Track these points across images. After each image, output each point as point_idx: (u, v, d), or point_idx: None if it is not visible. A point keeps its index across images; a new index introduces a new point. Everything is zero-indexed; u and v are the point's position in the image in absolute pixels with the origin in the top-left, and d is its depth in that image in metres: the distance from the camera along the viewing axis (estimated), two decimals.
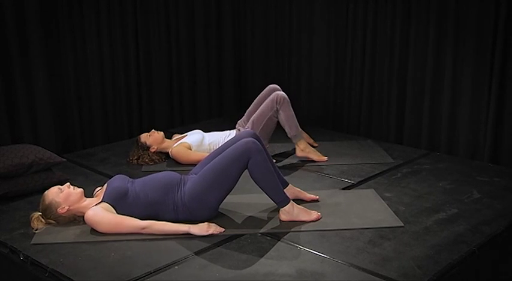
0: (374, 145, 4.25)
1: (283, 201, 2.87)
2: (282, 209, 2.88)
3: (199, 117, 5.18)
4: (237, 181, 2.87)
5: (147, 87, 4.79)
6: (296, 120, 3.85)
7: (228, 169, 2.82)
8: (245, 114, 4.08)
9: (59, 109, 4.22)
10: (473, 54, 3.97)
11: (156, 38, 4.77)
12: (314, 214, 2.92)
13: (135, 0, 4.57)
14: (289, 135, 3.84)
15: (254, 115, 3.86)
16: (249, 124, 3.84)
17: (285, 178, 3.14)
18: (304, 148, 3.83)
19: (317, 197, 3.18)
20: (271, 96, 3.83)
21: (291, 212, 2.87)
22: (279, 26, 5.20)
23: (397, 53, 4.40)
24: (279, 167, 3.22)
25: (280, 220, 2.89)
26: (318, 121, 5.01)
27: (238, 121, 4.10)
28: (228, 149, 2.88)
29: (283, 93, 3.86)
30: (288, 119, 3.79)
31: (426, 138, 4.33)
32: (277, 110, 3.79)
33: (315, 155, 3.85)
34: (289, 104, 3.83)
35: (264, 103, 3.86)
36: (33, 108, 4.05)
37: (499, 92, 3.87)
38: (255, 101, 4.05)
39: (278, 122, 3.85)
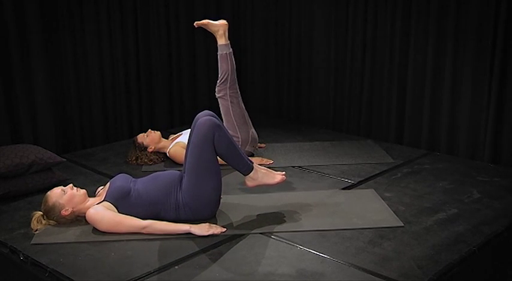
0: (374, 145, 4.25)
1: (248, 168, 2.85)
2: (247, 176, 2.87)
3: None
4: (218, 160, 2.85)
5: (147, 87, 4.78)
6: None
7: (204, 154, 2.79)
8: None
9: (59, 109, 4.22)
10: (473, 54, 3.97)
11: (156, 38, 4.77)
12: (278, 176, 2.91)
13: (135, 0, 4.57)
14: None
15: (225, 124, 3.79)
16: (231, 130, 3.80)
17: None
18: None
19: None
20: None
21: (255, 177, 2.87)
22: (279, 26, 5.19)
23: (397, 53, 4.40)
24: (278, 168, 3.21)
25: (247, 186, 2.90)
26: (318, 121, 5.02)
27: None
28: (192, 137, 2.86)
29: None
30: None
31: (426, 139, 4.32)
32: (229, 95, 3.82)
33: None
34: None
35: (221, 109, 3.82)
36: (33, 108, 4.05)
37: (499, 92, 3.86)
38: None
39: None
